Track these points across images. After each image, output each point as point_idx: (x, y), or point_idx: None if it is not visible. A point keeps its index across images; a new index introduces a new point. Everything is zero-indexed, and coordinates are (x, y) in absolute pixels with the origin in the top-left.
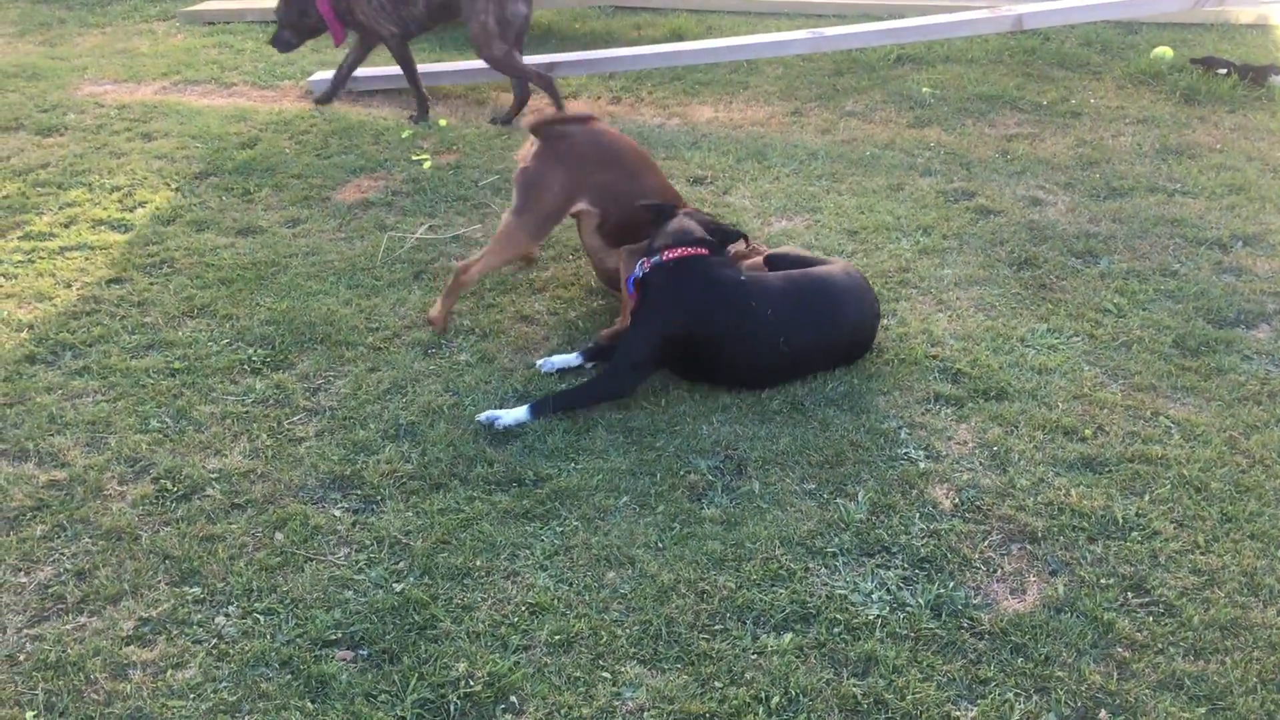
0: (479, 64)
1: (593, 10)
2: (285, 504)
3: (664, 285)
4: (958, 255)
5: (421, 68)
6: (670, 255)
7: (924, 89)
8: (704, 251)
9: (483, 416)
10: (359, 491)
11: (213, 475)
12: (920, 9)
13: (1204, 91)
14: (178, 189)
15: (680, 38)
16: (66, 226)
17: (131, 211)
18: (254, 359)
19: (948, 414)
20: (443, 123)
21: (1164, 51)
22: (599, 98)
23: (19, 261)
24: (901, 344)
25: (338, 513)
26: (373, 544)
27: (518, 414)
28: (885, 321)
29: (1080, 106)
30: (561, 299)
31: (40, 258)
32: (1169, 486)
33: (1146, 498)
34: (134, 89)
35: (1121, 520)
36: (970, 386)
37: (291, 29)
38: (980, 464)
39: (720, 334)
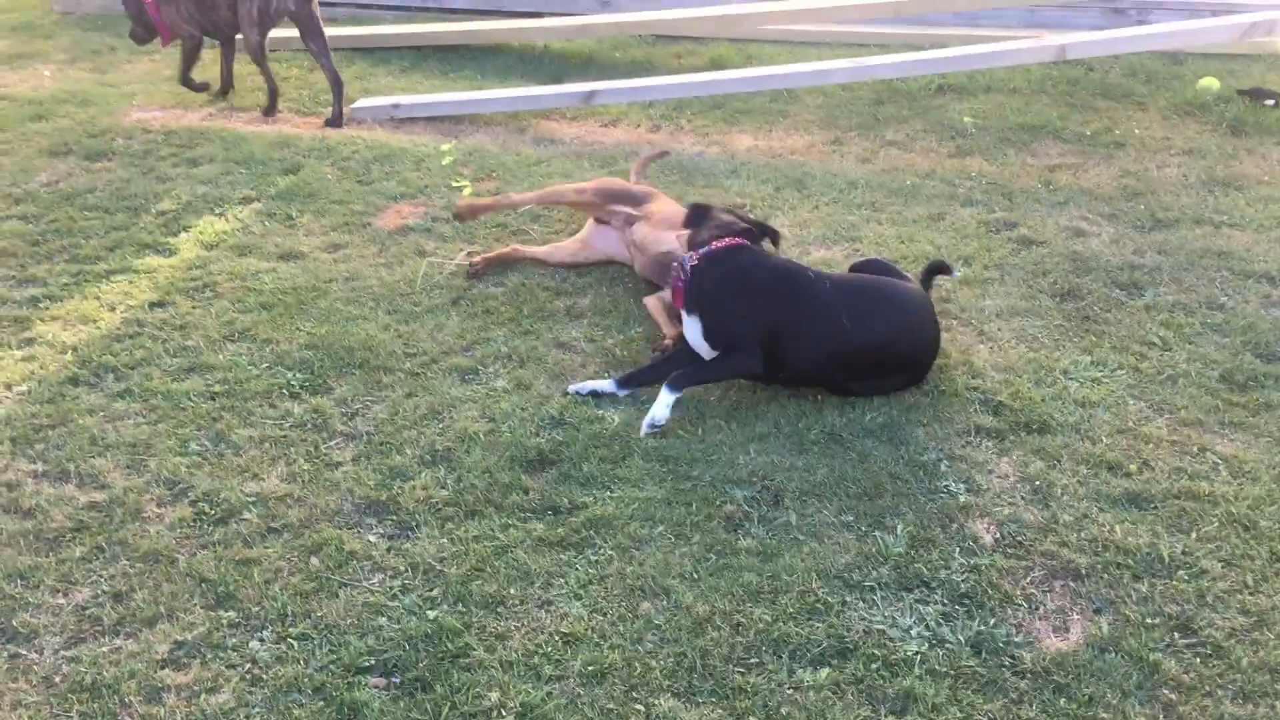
0: (521, 92)
1: (633, 40)
2: (321, 529)
3: (719, 275)
4: (999, 286)
5: (463, 96)
6: (719, 245)
7: (965, 119)
8: (746, 242)
9: (647, 422)
10: (394, 517)
11: (250, 499)
12: (963, 39)
13: (1251, 123)
14: (221, 214)
15: (720, 67)
16: (112, 250)
17: (175, 236)
18: (293, 383)
19: (988, 447)
20: (445, 148)
21: (1210, 82)
22: (639, 125)
23: (65, 284)
24: (941, 375)
25: (373, 538)
26: (407, 570)
27: (665, 400)
28: None
29: (1124, 137)
30: (599, 326)
31: (86, 281)
32: (1217, 524)
33: (1193, 535)
34: (181, 115)
35: (1168, 558)
36: (1011, 419)
37: (138, 24)
38: (1022, 498)
39: (781, 307)
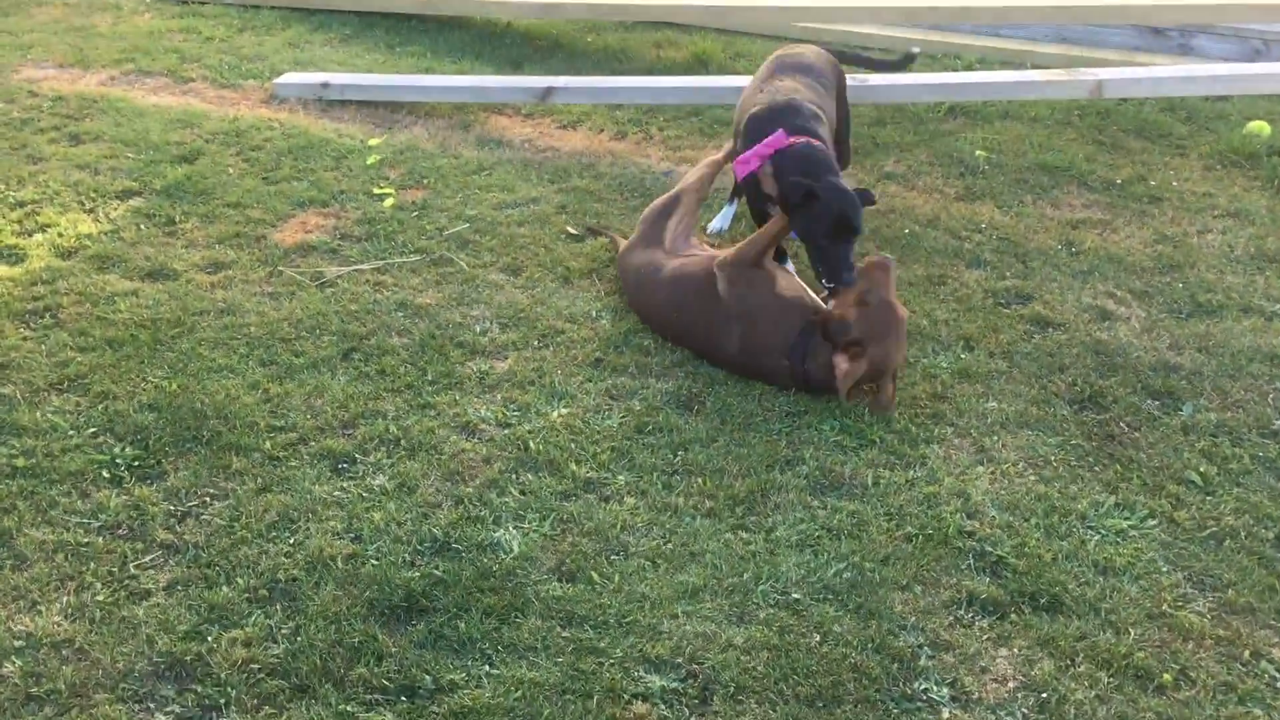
0: (468, 81)
1: (609, 24)
2: (95, 700)
3: None
4: (1005, 382)
5: (401, 80)
6: None
7: (978, 152)
8: None
9: None
10: (197, 688)
11: (18, 643)
12: (982, 49)
13: None
14: (91, 210)
15: (704, 64)
16: None
17: (29, 236)
18: (118, 460)
19: (983, 628)
20: (373, 143)
21: (1259, 127)
22: (602, 130)
23: None
24: (929, 510)
25: None
26: None
27: None
28: (911, 474)
29: (1160, 190)
30: (515, 404)
31: None
32: None
33: None
34: (78, 76)
35: None
36: (1015, 586)
37: None
38: (1023, 716)
39: None
